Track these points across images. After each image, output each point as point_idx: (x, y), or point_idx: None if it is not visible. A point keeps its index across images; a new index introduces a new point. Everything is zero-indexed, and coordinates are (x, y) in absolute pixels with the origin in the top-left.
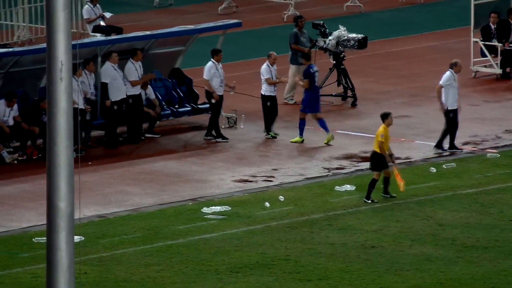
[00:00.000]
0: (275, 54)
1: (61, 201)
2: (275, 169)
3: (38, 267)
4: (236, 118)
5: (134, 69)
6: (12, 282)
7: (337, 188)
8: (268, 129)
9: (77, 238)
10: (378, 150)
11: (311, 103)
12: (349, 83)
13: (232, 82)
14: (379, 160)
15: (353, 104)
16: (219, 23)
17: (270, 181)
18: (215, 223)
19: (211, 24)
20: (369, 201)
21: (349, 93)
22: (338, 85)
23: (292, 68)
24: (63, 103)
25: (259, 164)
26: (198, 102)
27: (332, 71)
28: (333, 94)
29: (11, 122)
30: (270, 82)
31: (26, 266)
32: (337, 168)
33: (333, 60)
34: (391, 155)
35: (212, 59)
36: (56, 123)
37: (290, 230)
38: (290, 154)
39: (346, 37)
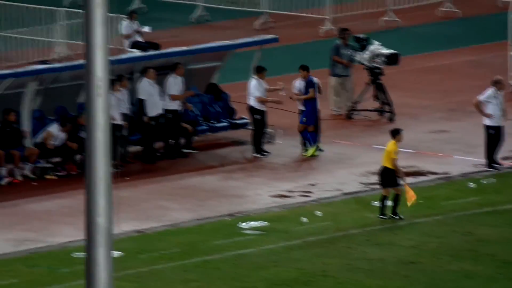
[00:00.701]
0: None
1: (100, 216)
2: (312, 184)
3: (77, 282)
4: (273, 133)
5: (175, 83)
6: None
7: (375, 203)
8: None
9: (115, 254)
10: (389, 166)
11: (311, 114)
12: (386, 98)
13: (278, 84)
14: (390, 176)
15: (391, 119)
16: (256, 38)
17: (308, 196)
18: (253, 238)
19: (248, 40)
20: (384, 218)
21: (387, 108)
22: (375, 100)
23: (332, 80)
24: (101, 118)
25: (296, 179)
26: (235, 117)
27: (369, 86)
28: (370, 109)
29: (59, 143)
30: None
31: (65, 281)
32: (375, 183)
33: (370, 75)
34: (402, 173)
35: (254, 76)
36: (94, 138)
37: (328, 245)
38: (327, 169)
39: (378, 52)
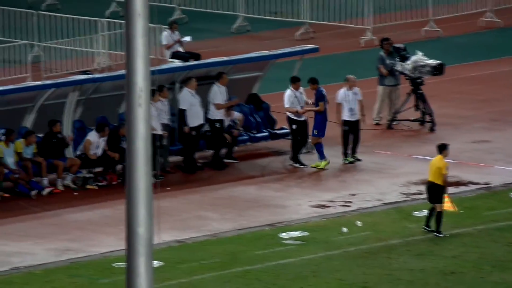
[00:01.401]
0: (353, 77)
1: (140, 226)
2: (353, 194)
3: None
4: None
5: (219, 92)
6: None
7: (415, 213)
8: (346, 154)
9: (156, 264)
10: (438, 182)
11: (322, 126)
12: (427, 108)
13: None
14: (439, 192)
15: (431, 129)
16: (297, 48)
17: (348, 206)
18: (293, 248)
19: (288, 50)
20: (441, 235)
21: (427, 118)
22: (416, 110)
23: (379, 90)
24: (142, 128)
25: (337, 189)
26: (276, 127)
27: (410, 96)
28: (411, 119)
29: (99, 152)
30: (338, 111)
31: None
32: (415, 193)
33: (411, 85)
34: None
35: (290, 87)
36: (135, 148)
37: (368, 255)
38: (368, 179)
39: (423, 63)
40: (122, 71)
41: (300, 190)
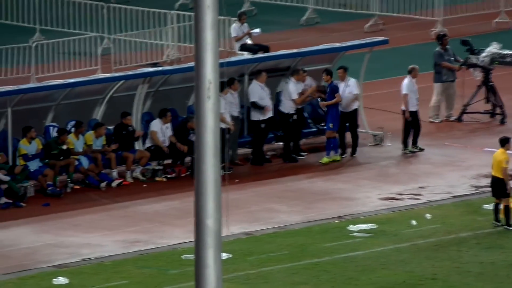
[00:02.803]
0: (418, 67)
1: (209, 218)
2: (422, 187)
3: (187, 284)
4: (382, 136)
5: (296, 89)
6: None
7: (485, 206)
8: (406, 144)
9: (224, 255)
10: (500, 176)
11: (336, 119)
12: (498, 100)
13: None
14: (502, 186)
15: (502, 122)
16: (366, 40)
17: (417, 199)
18: (361, 241)
19: (358, 42)
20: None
21: (498, 110)
22: (487, 102)
23: (437, 87)
24: (211, 121)
25: (406, 182)
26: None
27: (480, 88)
28: (482, 111)
29: (167, 142)
30: (406, 102)
31: (175, 283)
32: (485, 186)
33: (483, 77)
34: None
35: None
36: (204, 141)
37: (438, 248)
38: (437, 172)
39: (502, 54)
40: (191, 64)
41: (369, 183)
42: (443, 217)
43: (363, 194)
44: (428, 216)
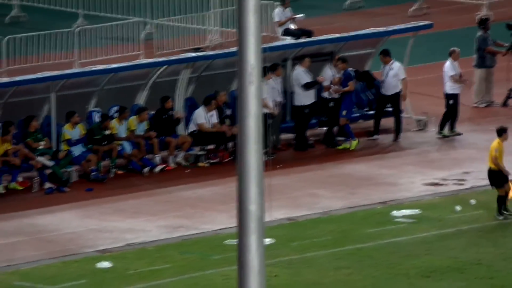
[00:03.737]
0: (459, 50)
1: (252, 204)
2: (466, 172)
3: (229, 268)
4: (426, 121)
5: (331, 74)
6: (205, 284)
7: None
8: (442, 128)
9: (267, 241)
10: (493, 167)
11: (351, 107)
12: None
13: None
14: (498, 176)
15: None
16: (410, 24)
17: (461, 184)
18: (405, 226)
19: (402, 26)
20: (501, 218)
21: None
22: None
23: (478, 72)
24: (253, 106)
25: (450, 167)
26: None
27: None
28: None
29: (211, 126)
30: (455, 80)
31: (218, 267)
32: None
33: None
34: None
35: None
36: (246, 126)
37: (482, 234)
38: (481, 157)
39: None
40: (234, 49)
41: (413, 168)
42: (487, 203)
43: (407, 179)
44: (473, 201)
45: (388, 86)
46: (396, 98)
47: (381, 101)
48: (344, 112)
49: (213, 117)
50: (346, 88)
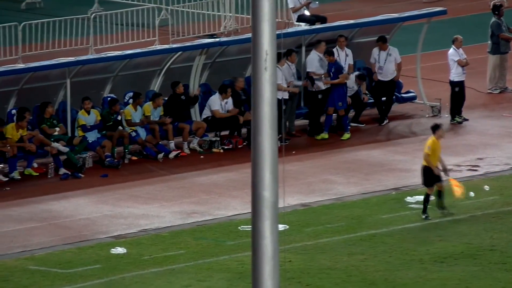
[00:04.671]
0: (461, 37)
1: (266, 190)
2: (480, 158)
3: (243, 254)
4: (440, 107)
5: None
6: (220, 269)
7: None
8: (454, 114)
9: (281, 227)
10: (426, 164)
11: (345, 98)
12: None
13: None
14: (430, 174)
15: None
16: (424, 11)
17: (475, 170)
18: (419, 212)
19: (415, 12)
20: (424, 217)
21: None
22: None
23: (492, 58)
24: (267, 92)
25: (464, 153)
26: (402, 91)
27: None
28: None
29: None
30: (460, 63)
31: (232, 253)
32: None
33: None
34: (445, 168)
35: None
36: (260, 112)
37: (496, 220)
38: (496, 143)
39: None
40: (248, 35)
41: None
42: (501, 189)
43: (420, 165)
44: (487, 187)
45: (386, 72)
46: (393, 84)
47: (379, 87)
48: (340, 104)
49: (228, 104)
50: (337, 80)
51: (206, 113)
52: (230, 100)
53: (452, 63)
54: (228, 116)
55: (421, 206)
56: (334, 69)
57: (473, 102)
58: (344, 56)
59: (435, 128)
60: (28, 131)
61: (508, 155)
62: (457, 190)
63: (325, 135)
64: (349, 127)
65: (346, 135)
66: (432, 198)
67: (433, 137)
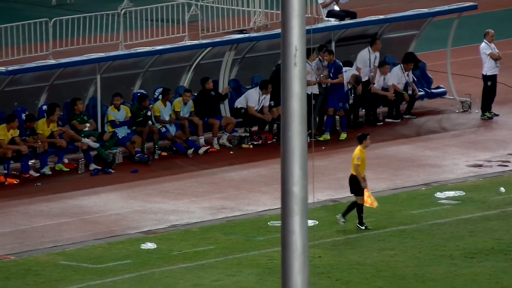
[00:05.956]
0: (493, 31)
1: (295, 185)
2: (511, 154)
3: (273, 250)
4: (470, 103)
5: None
6: (249, 264)
7: None
8: (484, 109)
9: (311, 222)
10: (354, 173)
11: (344, 98)
12: None
13: None
14: (358, 184)
15: None
16: (454, 6)
17: (506, 165)
18: (449, 208)
19: (446, 7)
20: (363, 227)
21: None
22: None
23: None
24: (297, 88)
25: (494, 149)
26: (432, 86)
27: None
28: None
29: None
30: (493, 57)
31: (262, 249)
32: None
33: None
34: (363, 178)
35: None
36: (290, 108)
37: None
38: None
39: None
40: (278, 30)
41: (457, 150)
42: None
43: (451, 161)
44: None
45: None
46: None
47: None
48: (340, 104)
49: (266, 100)
50: (335, 80)
51: (241, 103)
52: (268, 96)
53: (485, 57)
54: (260, 117)
55: (451, 202)
56: (334, 68)
57: (504, 97)
58: (373, 59)
59: (362, 137)
60: (59, 127)
61: None
62: (368, 201)
63: (327, 136)
64: (345, 128)
65: (343, 135)
66: (366, 205)
67: (360, 147)
